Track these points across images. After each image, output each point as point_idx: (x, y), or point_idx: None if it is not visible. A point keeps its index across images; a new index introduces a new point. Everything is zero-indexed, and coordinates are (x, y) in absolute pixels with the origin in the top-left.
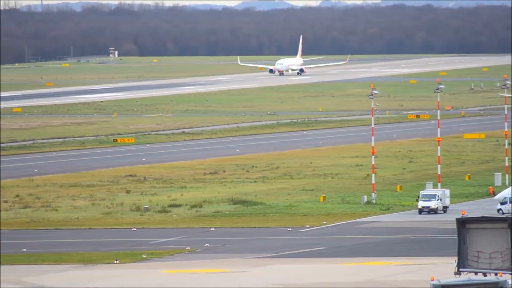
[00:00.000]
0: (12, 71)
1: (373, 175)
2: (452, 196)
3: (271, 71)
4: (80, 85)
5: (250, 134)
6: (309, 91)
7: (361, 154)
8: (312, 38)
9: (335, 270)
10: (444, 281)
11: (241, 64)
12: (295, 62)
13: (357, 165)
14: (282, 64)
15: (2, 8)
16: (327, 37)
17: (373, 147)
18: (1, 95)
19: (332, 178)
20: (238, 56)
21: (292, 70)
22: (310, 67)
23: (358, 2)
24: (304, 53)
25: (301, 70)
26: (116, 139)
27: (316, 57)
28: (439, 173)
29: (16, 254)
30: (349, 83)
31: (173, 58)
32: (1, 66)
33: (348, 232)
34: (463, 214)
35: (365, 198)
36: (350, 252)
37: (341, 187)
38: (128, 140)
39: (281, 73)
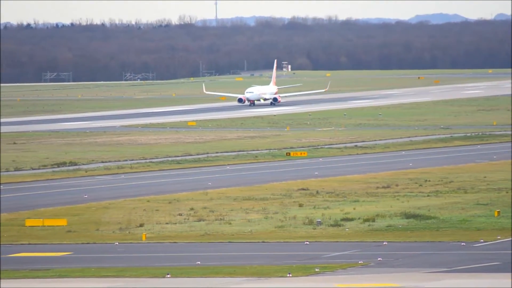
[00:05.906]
0: (187, 85)
1: None
2: None
3: (240, 100)
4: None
5: (423, 148)
6: (483, 105)
7: None
8: (488, 51)
9: (509, 286)
10: None
11: (206, 92)
12: (267, 90)
13: None
14: (252, 92)
15: (178, 23)
16: (501, 51)
17: None
18: (176, 108)
19: (507, 192)
20: (204, 82)
21: (264, 99)
22: (285, 96)
23: None
24: (476, 67)
25: (275, 100)
26: (289, 153)
27: (293, 85)
28: None
29: (190, 267)
30: None
31: (346, 72)
32: (178, 80)
33: None
34: None
35: None
36: None
37: None
38: (301, 153)
39: (251, 103)
